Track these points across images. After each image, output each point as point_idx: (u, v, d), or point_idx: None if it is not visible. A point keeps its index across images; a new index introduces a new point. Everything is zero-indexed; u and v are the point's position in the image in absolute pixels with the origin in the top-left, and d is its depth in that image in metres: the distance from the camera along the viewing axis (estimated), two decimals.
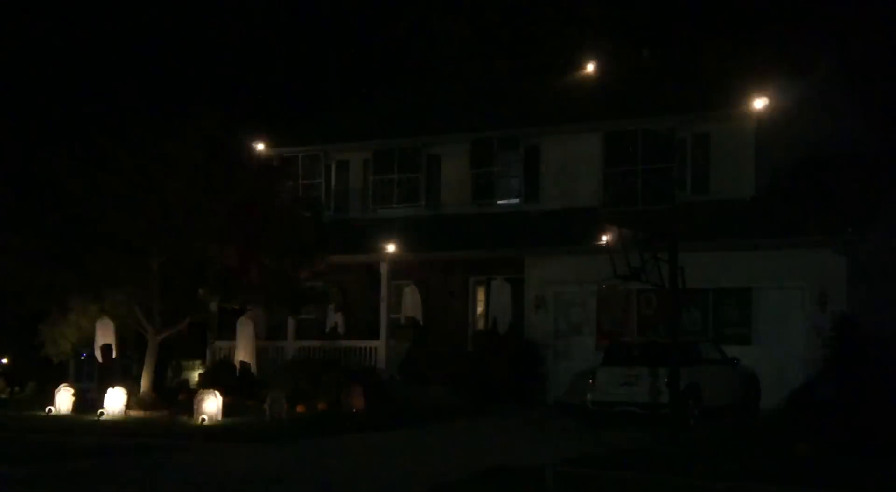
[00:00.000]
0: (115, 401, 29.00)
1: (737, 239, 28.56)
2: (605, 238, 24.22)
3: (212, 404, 27.43)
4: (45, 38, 49.40)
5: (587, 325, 30.30)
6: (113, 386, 29.89)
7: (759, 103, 30.82)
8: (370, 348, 32.59)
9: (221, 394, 27.93)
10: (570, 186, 33.02)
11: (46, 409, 29.66)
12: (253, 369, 31.48)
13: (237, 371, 31.34)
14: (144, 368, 30.64)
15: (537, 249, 31.12)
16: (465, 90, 39.48)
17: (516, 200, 33.98)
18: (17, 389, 34.47)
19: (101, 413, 28.64)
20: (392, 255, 32.33)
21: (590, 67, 38.23)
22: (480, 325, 32.89)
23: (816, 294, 27.32)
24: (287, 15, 52.19)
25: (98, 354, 32.12)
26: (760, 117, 31.03)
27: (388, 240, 32.31)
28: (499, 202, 34.18)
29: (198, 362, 34.54)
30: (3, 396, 33.90)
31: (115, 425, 26.94)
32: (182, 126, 29.90)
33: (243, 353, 31.53)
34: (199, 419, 27.06)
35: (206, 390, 28.11)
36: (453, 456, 21.21)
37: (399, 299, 33.21)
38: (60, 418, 28.43)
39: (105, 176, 29.52)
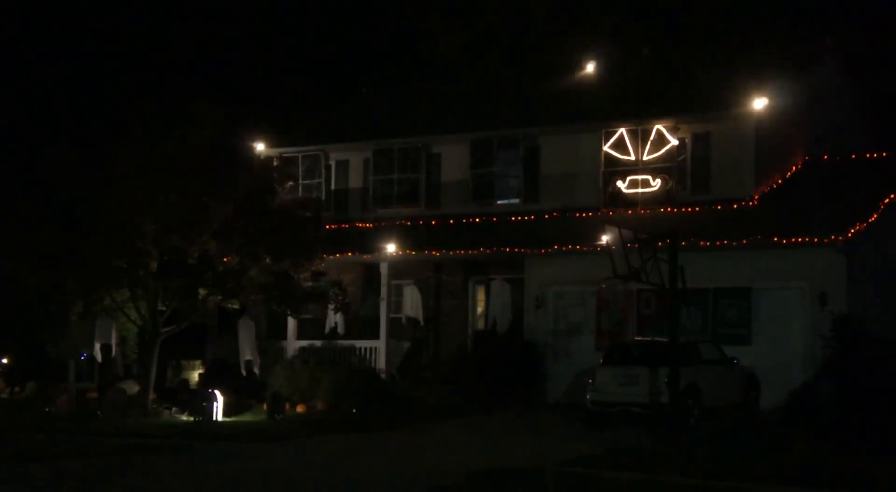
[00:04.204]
0: (114, 401, 29.01)
1: (737, 239, 28.54)
2: (605, 238, 24.20)
3: (212, 404, 27.45)
4: (45, 37, 49.43)
5: (587, 325, 30.28)
6: (113, 386, 29.91)
7: (759, 103, 30.83)
8: (370, 348, 32.60)
9: (221, 394, 27.97)
10: (570, 185, 33.01)
11: (46, 409, 29.67)
12: (255, 368, 31.50)
13: (240, 371, 31.35)
14: (145, 367, 30.65)
15: (537, 249, 31.10)
16: (465, 90, 39.45)
17: (516, 200, 33.98)
18: (17, 389, 34.46)
19: (101, 413, 28.65)
20: (392, 255, 32.33)
21: (590, 67, 38.23)
22: (480, 325, 32.88)
23: (816, 294, 27.30)
24: (287, 14, 52.21)
25: (98, 354, 32.12)
26: (760, 117, 31.04)
27: (388, 240, 32.31)
28: (499, 202, 34.17)
29: (198, 362, 34.55)
30: (4, 395, 33.90)
31: (115, 424, 26.93)
32: (182, 126, 29.90)
33: (245, 352, 31.54)
34: (199, 419, 27.07)
35: (206, 390, 28.14)
36: (453, 456, 21.22)
37: (399, 299, 33.22)
38: (60, 418, 28.43)
39: (105, 176, 29.53)
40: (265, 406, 28.00)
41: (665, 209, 31.02)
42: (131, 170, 29.36)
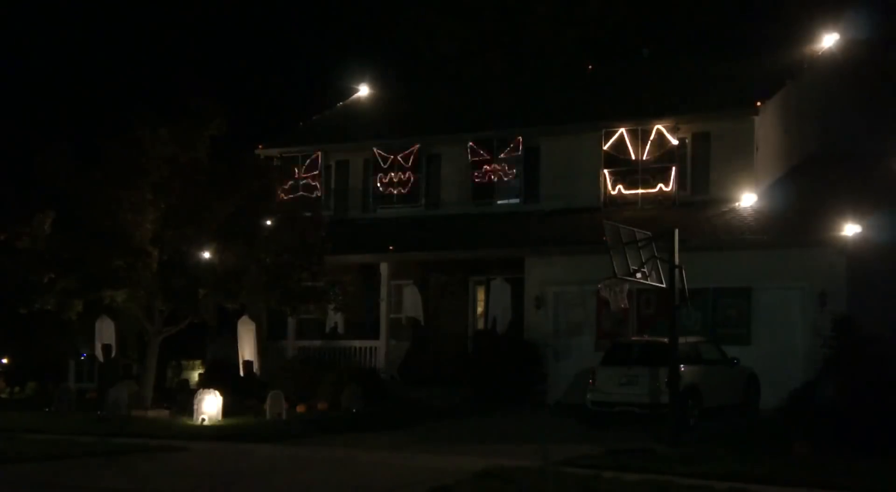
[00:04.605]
0: (115, 401, 29.01)
1: (737, 239, 28.54)
2: (604, 238, 24.19)
3: (212, 404, 27.45)
4: (46, 37, 49.42)
5: (587, 325, 30.27)
6: (113, 386, 29.91)
7: (759, 103, 30.81)
8: (370, 348, 32.61)
9: (221, 394, 27.96)
10: (570, 186, 32.98)
11: (46, 409, 29.67)
12: (255, 368, 31.50)
13: (239, 371, 31.35)
14: (145, 367, 30.67)
15: (537, 249, 31.10)
16: (465, 90, 39.47)
17: (516, 200, 33.95)
18: (17, 389, 34.48)
19: (101, 413, 28.66)
20: (392, 255, 32.32)
21: (590, 67, 38.23)
22: (480, 325, 32.88)
23: (816, 294, 27.30)
24: (287, 14, 52.21)
25: (98, 354, 32.12)
26: (760, 117, 31.02)
27: (388, 240, 32.30)
28: (499, 202, 34.15)
29: (198, 362, 34.56)
30: (3, 395, 33.91)
31: (115, 424, 26.93)
32: (183, 126, 29.92)
33: (244, 353, 31.55)
34: (200, 419, 27.07)
35: (206, 390, 28.14)
36: (453, 456, 21.21)
37: (399, 299, 33.21)
38: (60, 418, 28.42)
39: (105, 176, 29.56)
40: (265, 406, 27.98)
41: (665, 209, 30.99)
42: (131, 169, 29.39)
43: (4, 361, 36.59)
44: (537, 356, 30.43)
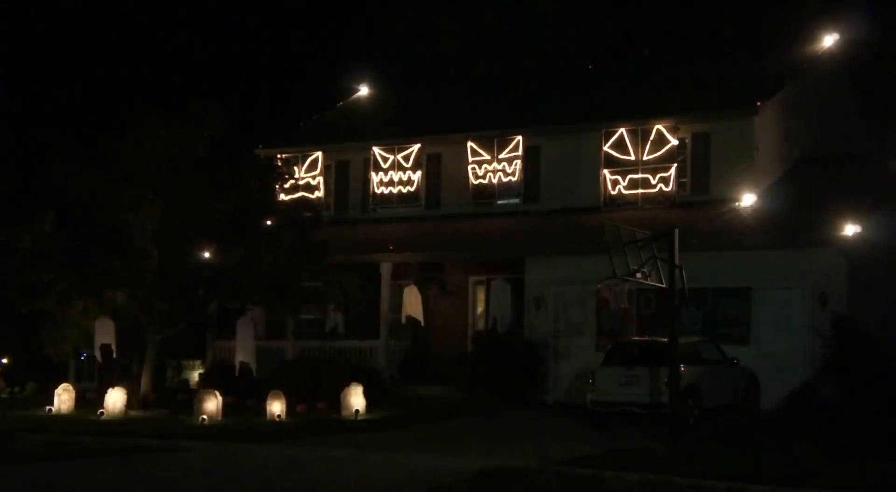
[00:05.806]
0: (115, 401, 29.01)
1: (737, 239, 28.54)
2: (604, 238, 24.18)
3: (212, 404, 27.45)
4: (45, 37, 49.45)
5: (587, 325, 30.28)
6: (113, 386, 29.90)
7: (759, 103, 30.81)
8: (370, 348, 32.60)
9: (221, 394, 27.96)
10: (570, 186, 33.02)
11: (46, 409, 29.66)
12: (254, 368, 31.49)
13: (237, 371, 31.35)
14: (144, 368, 30.68)
15: (537, 249, 31.11)
16: (465, 90, 39.48)
17: (516, 200, 33.97)
18: (17, 389, 34.47)
19: (101, 413, 28.66)
20: (392, 255, 32.32)
21: (590, 67, 38.24)
22: (480, 325, 32.90)
23: (816, 294, 27.31)
24: (287, 14, 52.22)
25: (98, 354, 32.10)
26: (760, 117, 31.03)
27: (388, 240, 32.30)
28: (499, 202, 34.18)
29: (198, 362, 34.54)
30: (3, 395, 33.89)
31: (116, 425, 26.94)
32: (183, 126, 29.93)
33: (243, 353, 31.54)
34: (200, 419, 27.07)
35: (206, 390, 28.15)
36: (453, 456, 21.22)
37: (399, 299, 33.21)
38: (60, 418, 28.43)
39: (105, 176, 29.57)
40: (265, 406, 27.98)
41: (665, 209, 31.00)
42: (131, 169, 29.40)
43: (4, 361, 36.55)
44: (537, 356, 30.44)
